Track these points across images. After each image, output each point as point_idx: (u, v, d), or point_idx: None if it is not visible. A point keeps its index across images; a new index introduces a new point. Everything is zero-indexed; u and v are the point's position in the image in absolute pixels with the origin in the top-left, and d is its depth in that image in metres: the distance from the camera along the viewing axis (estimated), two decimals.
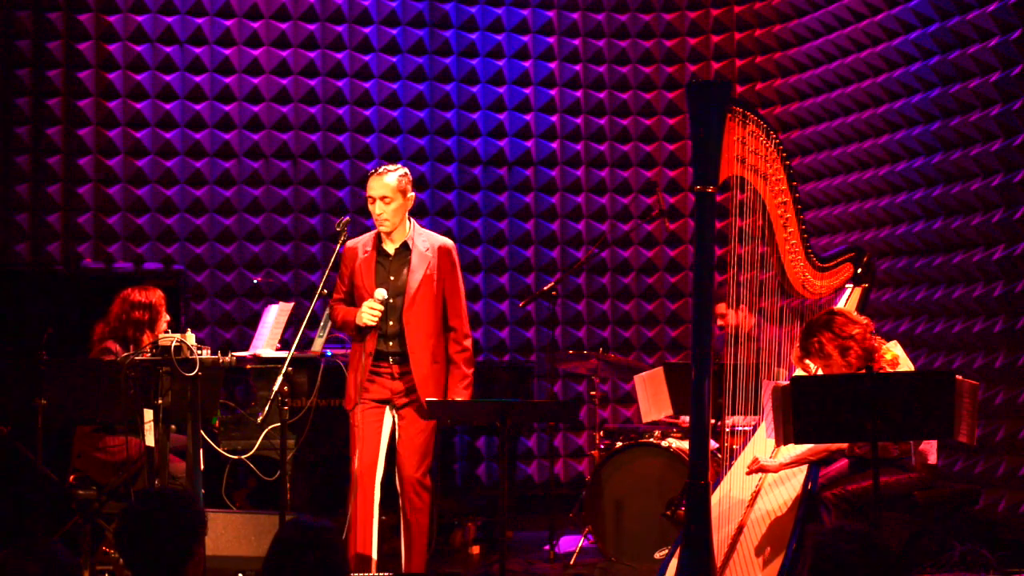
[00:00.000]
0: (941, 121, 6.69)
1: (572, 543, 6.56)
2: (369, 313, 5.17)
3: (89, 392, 5.41)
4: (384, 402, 5.29)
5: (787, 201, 4.65)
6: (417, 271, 5.25)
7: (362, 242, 5.40)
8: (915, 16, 6.84)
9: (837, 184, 7.56)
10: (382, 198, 5.24)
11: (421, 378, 5.23)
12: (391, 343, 5.26)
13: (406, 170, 5.32)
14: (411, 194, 5.30)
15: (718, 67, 8.50)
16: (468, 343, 5.37)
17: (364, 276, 5.28)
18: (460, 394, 5.25)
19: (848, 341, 4.76)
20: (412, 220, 5.40)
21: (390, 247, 5.32)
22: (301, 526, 2.91)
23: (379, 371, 5.28)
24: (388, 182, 5.24)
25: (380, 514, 5.31)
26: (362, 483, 5.19)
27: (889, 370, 4.77)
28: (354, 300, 5.33)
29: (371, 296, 5.21)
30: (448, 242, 5.41)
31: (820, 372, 4.87)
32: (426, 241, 5.34)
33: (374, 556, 5.22)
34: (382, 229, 5.29)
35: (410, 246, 5.30)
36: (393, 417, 5.31)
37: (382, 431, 5.28)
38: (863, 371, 4.64)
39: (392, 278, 5.27)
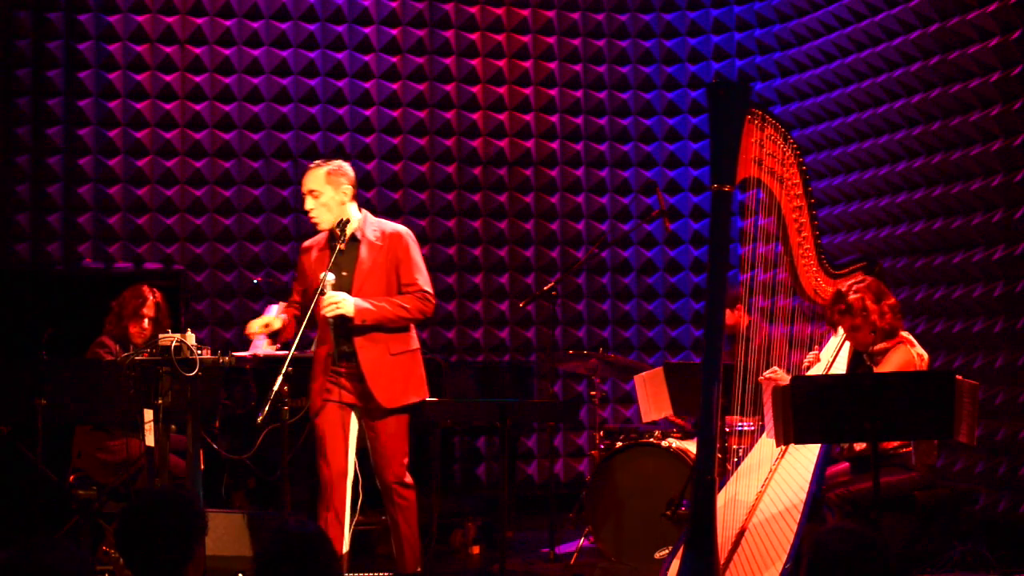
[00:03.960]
0: (941, 121, 6.69)
1: (572, 543, 6.56)
2: (328, 305, 5.02)
3: (89, 392, 5.41)
4: (349, 405, 5.21)
5: (802, 207, 4.64)
6: (364, 263, 5.14)
7: (316, 241, 5.34)
8: (915, 16, 6.84)
9: (837, 184, 7.56)
10: (310, 192, 5.19)
11: (375, 374, 5.11)
12: (344, 343, 5.14)
13: (340, 163, 5.27)
14: (345, 186, 5.20)
15: (718, 67, 8.50)
16: (425, 298, 5.17)
17: (316, 274, 5.18)
18: (378, 305, 5.06)
19: (884, 305, 4.92)
20: (365, 212, 5.31)
21: (341, 242, 5.21)
22: (287, 536, 2.90)
23: (340, 372, 5.19)
24: (316, 174, 5.19)
25: (370, 518, 5.30)
26: (336, 490, 5.12)
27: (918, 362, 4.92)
28: (310, 301, 5.23)
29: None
30: (401, 228, 5.29)
31: (843, 343, 5.01)
32: (376, 230, 5.22)
33: (345, 549, 5.16)
34: (317, 226, 5.22)
35: (359, 238, 5.20)
36: (360, 421, 5.23)
37: (349, 434, 5.20)
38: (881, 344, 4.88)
39: (344, 274, 5.15)
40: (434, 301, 5.27)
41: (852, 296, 4.89)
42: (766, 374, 4.78)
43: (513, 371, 7.34)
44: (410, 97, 8.24)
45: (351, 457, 5.20)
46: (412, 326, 5.31)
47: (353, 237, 5.22)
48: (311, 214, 5.23)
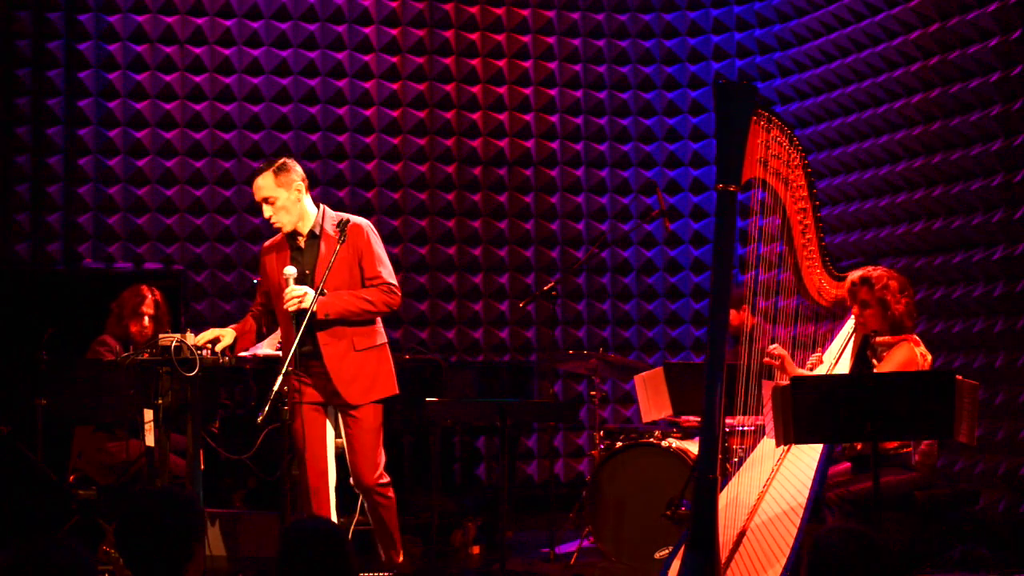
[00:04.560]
0: (941, 121, 6.69)
1: (572, 543, 6.56)
2: (291, 299, 4.91)
3: (89, 392, 5.41)
4: (323, 405, 5.16)
5: (807, 208, 4.65)
6: (325, 258, 5.02)
7: (275, 242, 5.24)
8: (915, 16, 6.84)
9: (837, 184, 7.56)
10: (265, 200, 5.09)
11: (340, 371, 5.05)
12: (307, 341, 5.04)
13: (284, 161, 5.14)
14: (297, 183, 5.09)
15: (718, 67, 8.50)
16: (390, 291, 5.07)
17: (278, 274, 5.08)
18: (341, 298, 4.99)
19: (903, 296, 4.97)
20: (322, 207, 5.22)
21: (300, 240, 5.16)
22: (304, 532, 2.90)
23: (311, 371, 5.13)
24: (266, 181, 5.08)
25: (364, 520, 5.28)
26: (320, 491, 5.08)
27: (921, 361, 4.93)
28: (272, 304, 5.18)
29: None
30: (361, 220, 5.19)
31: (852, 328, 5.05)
32: (335, 223, 5.11)
33: None
34: (281, 229, 5.13)
35: (318, 234, 5.12)
36: (337, 419, 5.20)
37: (327, 434, 5.16)
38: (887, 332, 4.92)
39: (308, 272, 5.07)
40: (399, 293, 5.17)
41: (877, 272, 4.95)
42: (771, 348, 4.79)
43: (513, 371, 7.34)
44: (410, 97, 8.24)
45: (331, 459, 5.16)
46: (378, 320, 5.23)
47: (312, 233, 5.15)
48: (272, 220, 5.12)
